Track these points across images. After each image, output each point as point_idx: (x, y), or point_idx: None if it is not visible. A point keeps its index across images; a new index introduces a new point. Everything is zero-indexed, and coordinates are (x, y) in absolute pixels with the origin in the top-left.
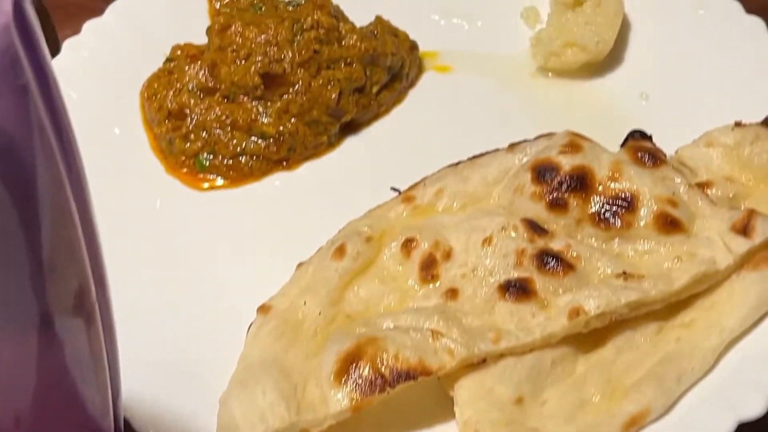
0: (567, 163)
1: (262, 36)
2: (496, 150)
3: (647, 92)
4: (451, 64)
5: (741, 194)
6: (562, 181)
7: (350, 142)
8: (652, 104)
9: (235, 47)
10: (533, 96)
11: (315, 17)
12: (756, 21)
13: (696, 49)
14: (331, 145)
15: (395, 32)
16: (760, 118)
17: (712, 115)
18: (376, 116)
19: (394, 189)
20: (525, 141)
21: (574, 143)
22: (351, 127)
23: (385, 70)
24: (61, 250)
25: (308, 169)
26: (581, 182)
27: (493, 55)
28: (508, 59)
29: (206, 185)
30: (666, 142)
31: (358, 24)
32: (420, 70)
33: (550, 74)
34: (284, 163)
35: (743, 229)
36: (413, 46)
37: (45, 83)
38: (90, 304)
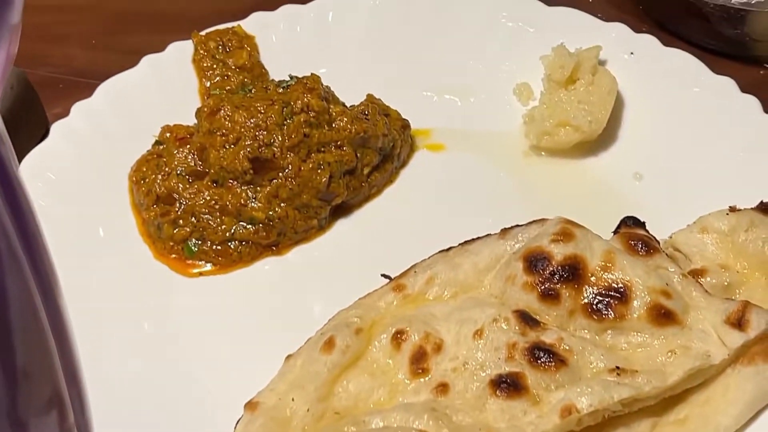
0: (559, 252)
1: (252, 120)
2: (488, 235)
3: (641, 172)
4: (444, 142)
5: (736, 283)
6: (554, 271)
7: (341, 225)
8: (646, 184)
9: (224, 131)
10: (526, 175)
11: (305, 100)
12: (751, 100)
13: (691, 128)
14: (322, 228)
15: (387, 111)
16: (756, 199)
17: (707, 196)
18: (368, 198)
19: (384, 276)
20: (517, 226)
21: (566, 231)
22: (342, 210)
23: (376, 151)
24: (34, 357)
25: (298, 253)
26: (573, 272)
27: (486, 132)
28: (502, 137)
29: (195, 271)
30: (660, 224)
31: (350, 101)
32: (412, 149)
33: (543, 153)
34: (274, 247)
35: (738, 322)
36: (405, 125)
37: (9, 188)
38: (63, 406)
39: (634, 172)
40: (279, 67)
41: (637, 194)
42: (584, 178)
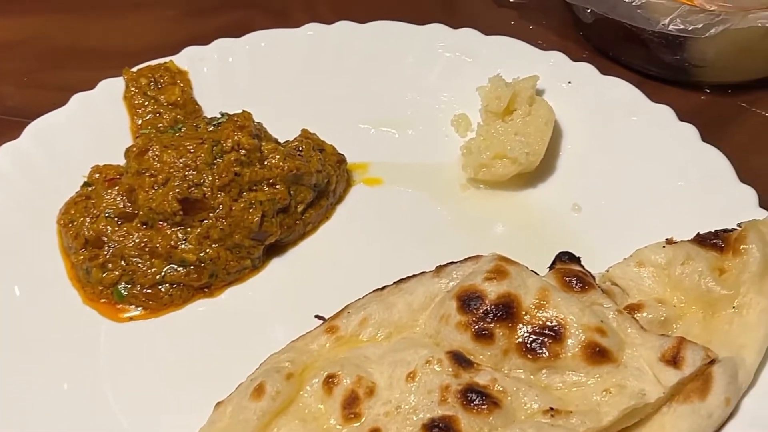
0: (493, 290)
1: (181, 159)
2: (423, 273)
3: (580, 203)
4: (382, 175)
5: (673, 317)
6: (487, 310)
7: (276, 264)
8: (584, 215)
9: (153, 172)
10: (465, 208)
11: (235, 138)
12: (688, 128)
13: (629, 158)
14: (256, 268)
15: (322, 146)
16: (694, 230)
17: (646, 227)
18: (303, 236)
19: (318, 317)
20: (452, 263)
21: (500, 269)
22: (277, 248)
23: (310, 188)
24: None
25: (232, 294)
26: (507, 311)
27: (424, 165)
28: (440, 169)
29: (126, 315)
30: (599, 255)
31: (285, 137)
32: (349, 183)
33: (481, 185)
34: (206, 289)
35: (673, 359)
36: (341, 160)
37: None
38: None
39: (573, 204)
40: (213, 102)
41: (576, 226)
42: (523, 210)
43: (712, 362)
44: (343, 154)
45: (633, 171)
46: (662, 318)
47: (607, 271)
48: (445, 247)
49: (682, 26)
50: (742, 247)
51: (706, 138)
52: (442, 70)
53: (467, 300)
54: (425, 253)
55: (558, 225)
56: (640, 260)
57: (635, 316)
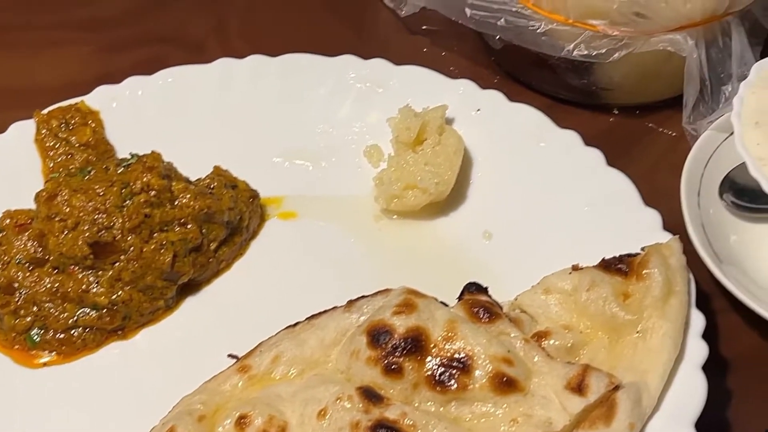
0: (401, 324)
1: (90, 203)
2: (334, 308)
3: (491, 231)
4: (296, 209)
5: (579, 343)
6: (396, 345)
7: (189, 304)
8: (495, 243)
9: (62, 216)
10: (378, 240)
11: (144, 179)
12: (594, 153)
13: (537, 184)
14: (170, 308)
15: (234, 182)
16: (601, 254)
17: (554, 253)
18: (217, 273)
19: (231, 356)
20: (362, 297)
21: (409, 302)
22: (190, 287)
23: (222, 225)
24: None
25: (146, 336)
26: (416, 345)
27: (338, 197)
28: (353, 201)
29: (40, 361)
30: (509, 283)
31: (197, 174)
32: (262, 218)
33: (395, 216)
34: (120, 332)
35: (578, 387)
36: (253, 196)
37: None
38: None
39: (484, 231)
40: (125, 141)
41: (487, 254)
42: (436, 240)
43: (617, 388)
44: (256, 190)
45: (541, 197)
46: (569, 345)
47: (516, 299)
48: (358, 280)
49: (586, 52)
50: (644, 271)
51: (614, 159)
52: (354, 101)
53: (376, 335)
54: (339, 286)
55: (470, 253)
56: (546, 287)
57: (543, 343)
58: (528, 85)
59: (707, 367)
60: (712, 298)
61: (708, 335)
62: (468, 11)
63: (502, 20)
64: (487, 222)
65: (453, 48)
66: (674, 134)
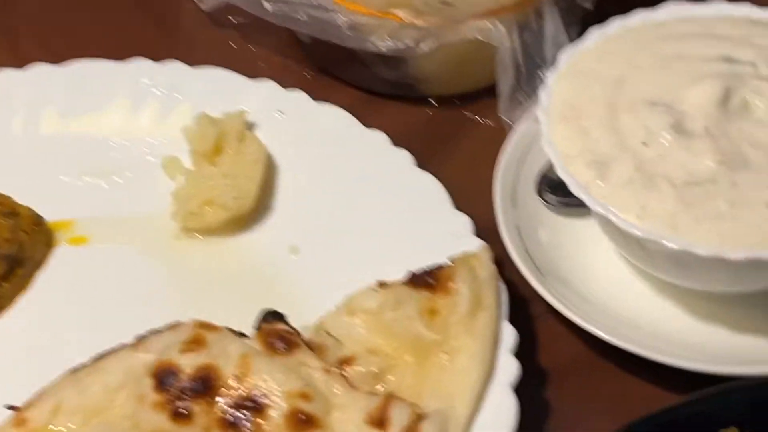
0: (189, 364)
1: None
2: (122, 346)
3: (298, 245)
4: (88, 233)
5: (386, 368)
6: (184, 387)
7: None
8: (302, 258)
9: None
10: (179, 262)
11: None
12: (402, 154)
13: (345, 190)
14: None
15: (14, 210)
16: (410, 266)
17: (362, 267)
18: None
19: (10, 407)
20: (151, 333)
21: (198, 338)
22: None
23: (1, 259)
24: None
25: None
26: (205, 385)
27: (134, 217)
28: (151, 220)
29: None
30: (317, 302)
31: None
32: (49, 246)
33: (196, 234)
34: None
35: (380, 421)
36: (37, 222)
37: None
38: None
39: (291, 246)
40: None
41: (293, 270)
42: (240, 258)
43: (421, 417)
44: (41, 216)
45: (348, 205)
46: (376, 371)
47: (320, 322)
48: (157, 308)
49: (392, 44)
50: (450, 285)
51: (430, 156)
52: (150, 109)
53: (163, 377)
54: (137, 316)
55: (275, 271)
56: (351, 308)
57: (347, 370)
58: (342, 80)
59: (525, 381)
60: (531, 302)
61: (527, 345)
62: (268, 6)
63: (304, 15)
64: (295, 235)
65: (262, 42)
66: (495, 125)
